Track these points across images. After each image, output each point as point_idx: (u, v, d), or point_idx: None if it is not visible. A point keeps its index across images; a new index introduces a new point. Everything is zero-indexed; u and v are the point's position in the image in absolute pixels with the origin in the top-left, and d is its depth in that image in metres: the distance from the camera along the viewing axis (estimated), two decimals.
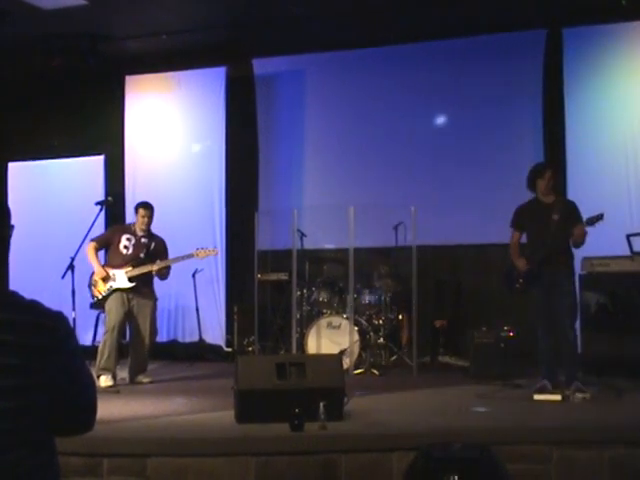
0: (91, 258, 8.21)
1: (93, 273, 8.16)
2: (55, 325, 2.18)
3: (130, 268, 8.14)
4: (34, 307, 2.17)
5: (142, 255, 8.24)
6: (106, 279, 8.11)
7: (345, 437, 5.33)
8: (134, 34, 10.21)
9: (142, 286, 8.21)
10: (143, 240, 8.32)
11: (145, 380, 8.25)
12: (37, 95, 11.44)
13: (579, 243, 7.05)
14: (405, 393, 7.42)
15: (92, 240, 8.33)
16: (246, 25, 9.84)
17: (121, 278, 8.12)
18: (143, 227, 8.33)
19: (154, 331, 8.44)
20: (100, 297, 8.10)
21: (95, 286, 8.14)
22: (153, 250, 8.34)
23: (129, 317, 8.17)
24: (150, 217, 8.35)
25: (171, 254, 8.40)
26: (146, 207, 8.39)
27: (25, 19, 9.40)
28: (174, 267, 8.34)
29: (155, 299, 8.41)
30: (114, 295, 8.10)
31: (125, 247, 8.28)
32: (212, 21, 9.77)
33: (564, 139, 9.45)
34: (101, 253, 8.42)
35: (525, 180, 7.28)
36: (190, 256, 8.34)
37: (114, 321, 8.06)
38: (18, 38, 9.94)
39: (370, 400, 6.88)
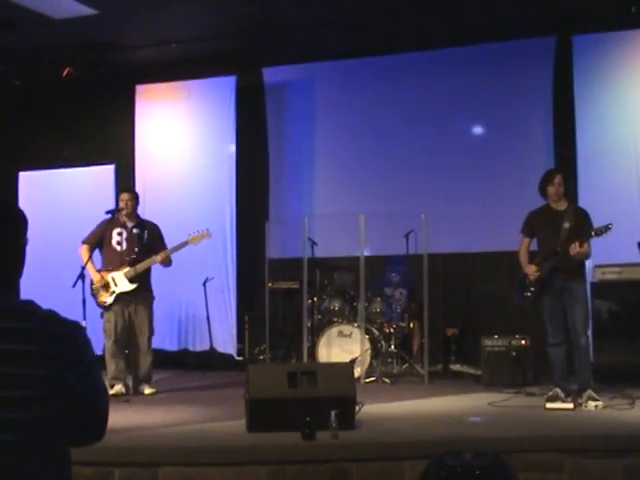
0: (87, 265, 7.82)
1: (92, 281, 7.87)
2: (74, 335, 2.19)
3: (128, 268, 7.83)
4: (52, 317, 2.17)
5: (137, 249, 7.89)
6: (107, 286, 7.83)
7: (357, 446, 5.32)
8: (144, 43, 10.23)
9: (141, 286, 7.90)
10: (135, 231, 7.99)
11: (147, 391, 7.96)
12: (48, 105, 11.45)
13: (581, 260, 7.06)
14: (416, 401, 7.39)
15: (83, 242, 8.01)
16: (256, 34, 9.86)
17: (121, 281, 7.82)
18: (128, 212, 7.98)
19: (151, 332, 8.04)
20: (107, 305, 7.84)
21: (97, 296, 7.86)
22: (148, 239, 8.00)
23: (129, 322, 7.90)
24: (132, 201, 8.04)
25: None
26: (127, 191, 8.18)
27: (36, 28, 9.44)
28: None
29: (152, 298, 8.09)
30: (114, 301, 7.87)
31: (118, 243, 7.96)
32: (222, 30, 9.77)
33: (575, 146, 9.40)
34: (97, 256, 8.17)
35: (536, 187, 7.28)
36: (185, 244, 7.89)
37: (113, 329, 7.84)
38: (29, 47, 9.99)
39: (381, 409, 6.85)
